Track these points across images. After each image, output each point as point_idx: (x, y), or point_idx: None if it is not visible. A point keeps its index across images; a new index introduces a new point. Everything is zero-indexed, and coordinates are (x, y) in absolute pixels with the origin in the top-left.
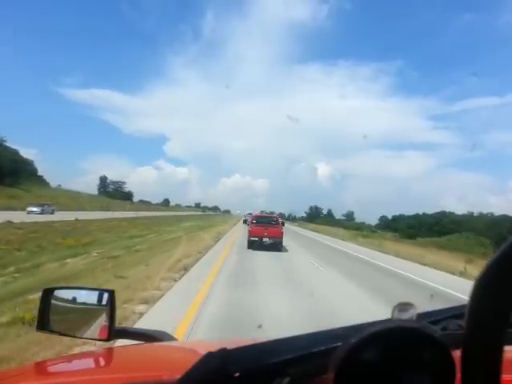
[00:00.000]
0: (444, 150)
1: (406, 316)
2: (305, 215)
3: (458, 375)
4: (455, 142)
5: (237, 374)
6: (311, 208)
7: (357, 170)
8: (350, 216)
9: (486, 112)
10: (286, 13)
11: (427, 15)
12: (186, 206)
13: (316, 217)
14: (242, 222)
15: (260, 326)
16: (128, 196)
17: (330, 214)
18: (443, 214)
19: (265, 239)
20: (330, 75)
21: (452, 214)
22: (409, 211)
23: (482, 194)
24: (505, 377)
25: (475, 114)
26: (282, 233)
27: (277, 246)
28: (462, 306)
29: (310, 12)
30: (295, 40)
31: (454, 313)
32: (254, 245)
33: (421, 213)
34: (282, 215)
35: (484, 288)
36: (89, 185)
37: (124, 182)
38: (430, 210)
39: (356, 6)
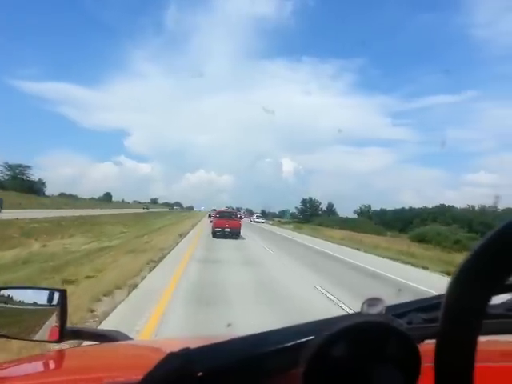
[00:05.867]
0: (402, 145)
1: (375, 310)
2: (280, 212)
3: (423, 366)
4: (413, 139)
5: (200, 374)
6: (304, 202)
7: (320, 165)
8: (364, 213)
9: (443, 109)
10: (250, 8)
11: (389, 13)
12: (139, 203)
13: (312, 214)
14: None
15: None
16: (35, 187)
17: (331, 209)
18: (443, 207)
19: (226, 229)
20: (294, 71)
21: (452, 207)
22: (373, 206)
23: (438, 188)
24: (478, 365)
25: (432, 111)
26: (240, 224)
27: (236, 235)
28: (426, 299)
29: (275, 8)
30: (260, 35)
31: (418, 306)
32: (217, 234)
33: (407, 207)
34: (249, 211)
35: (461, 282)
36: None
37: (28, 167)
38: (390, 205)
39: (319, 3)
